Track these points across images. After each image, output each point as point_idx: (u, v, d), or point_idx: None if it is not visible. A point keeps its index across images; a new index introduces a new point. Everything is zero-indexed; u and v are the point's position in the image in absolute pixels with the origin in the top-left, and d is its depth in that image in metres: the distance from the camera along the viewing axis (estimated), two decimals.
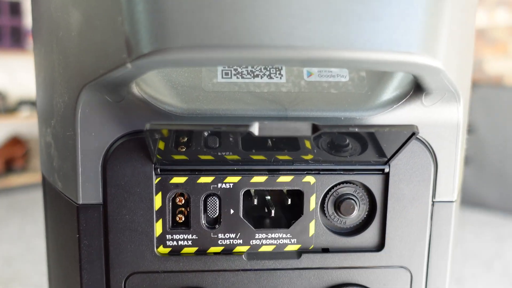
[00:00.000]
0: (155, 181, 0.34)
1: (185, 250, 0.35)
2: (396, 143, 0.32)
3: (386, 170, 0.35)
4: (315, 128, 0.29)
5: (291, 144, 0.35)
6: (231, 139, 0.34)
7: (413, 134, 0.30)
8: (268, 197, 0.38)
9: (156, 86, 0.33)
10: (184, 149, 0.34)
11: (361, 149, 0.35)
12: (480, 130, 2.14)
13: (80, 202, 0.34)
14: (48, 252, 0.42)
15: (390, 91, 0.34)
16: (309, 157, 0.35)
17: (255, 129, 0.29)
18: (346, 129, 0.29)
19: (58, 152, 0.36)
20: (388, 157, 0.34)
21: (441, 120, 0.35)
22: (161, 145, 0.34)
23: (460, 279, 1.53)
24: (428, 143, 0.35)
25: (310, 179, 0.35)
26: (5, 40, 2.49)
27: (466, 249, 1.75)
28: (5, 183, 2.47)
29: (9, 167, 2.57)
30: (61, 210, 0.37)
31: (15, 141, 2.61)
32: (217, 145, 0.34)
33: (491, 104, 2.16)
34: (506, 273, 1.59)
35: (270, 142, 0.36)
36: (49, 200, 0.40)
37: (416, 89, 0.33)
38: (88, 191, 0.34)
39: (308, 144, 0.35)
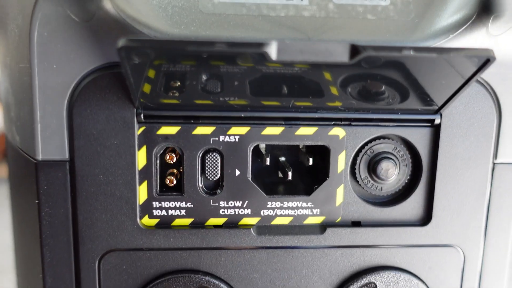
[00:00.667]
0: (138, 131, 0.26)
1: (177, 222, 0.27)
2: (457, 79, 0.24)
3: (437, 121, 0.27)
4: (354, 50, 0.21)
5: (313, 90, 0.27)
6: (236, 82, 0.26)
7: (487, 61, 0.22)
8: (283, 159, 0.30)
9: (137, 3, 0.25)
10: (176, 95, 0.26)
11: (401, 97, 0.27)
12: None
13: (40, 157, 0.26)
14: (13, 228, 0.34)
15: (446, 16, 0.26)
16: (337, 104, 0.27)
17: (272, 50, 0.21)
18: (398, 51, 0.21)
19: (15, 97, 0.28)
20: (440, 104, 0.27)
21: (509, 56, 0.27)
22: (146, 88, 0.26)
23: None
24: (490, 86, 0.27)
25: (338, 131, 0.27)
26: None
27: None
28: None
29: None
30: (19, 172, 0.29)
31: None
32: (219, 90, 0.26)
33: None
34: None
35: (285, 88, 0.28)
36: (10, 163, 0.32)
37: (482, 11, 0.25)
38: (49, 144, 0.26)
39: (334, 90, 0.27)
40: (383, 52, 0.21)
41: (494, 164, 0.28)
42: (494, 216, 0.29)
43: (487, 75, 0.27)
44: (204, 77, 0.26)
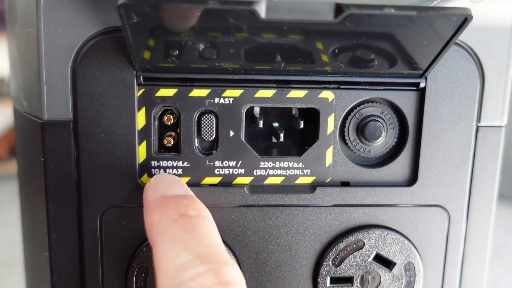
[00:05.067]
0: (138, 93, 0.28)
1: None
2: (438, 40, 0.25)
3: (422, 84, 0.29)
4: (339, 9, 0.23)
5: (304, 58, 0.28)
6: (231, 51, 0.28)
7: (465, 20, 0.23)
8: (277, 124, 0.31)
9: None
10: (174, 61, 0.27)
11: (386, 61, 0.28)
12: None
13: (45, 117, 0.28)
14: (20, 188, 0.36)
15: None
16: (327, 68, 0.28)
17: (261, 9, 0.22)
18: (379, 9, 0.22)
19: (23, 63, 0.30)
20: (425, 67, 0.28)
21: (491, 22, 0.28)
22: (146, 55, 0.27)
23: None
24: (473, 51, 0.29)
25: (328, 94, 0.29)
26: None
27: None
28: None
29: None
30: (26, 135, 0.30)
31: None
32: (215, 57, 0.28)
33: None
34: None
35: (279, 57, 0.29)
36: (17, 130, 0.34)
37: None
38: (54, 104, 0.28)
39: (325, 57, 0.28)
40: (365, 10, 0.22)
41: (477, 127, 0.30)
42: (478, 178, 0.30)
43: (470, 40, 0.28)
44: (201, 46, 0.28)
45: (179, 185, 0.27)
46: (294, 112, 0.31)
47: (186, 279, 0.21)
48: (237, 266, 0.23)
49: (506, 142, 0.31)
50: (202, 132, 0.28)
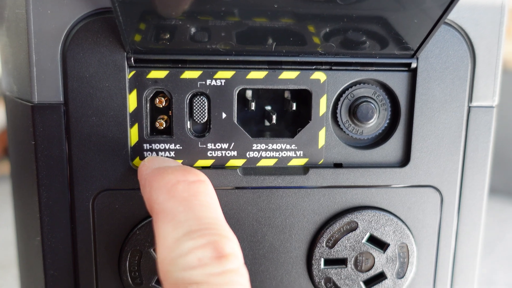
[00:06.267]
0: (129, 75, 0.28)
1: None
2: (428, 17, 0.25)
3: (414, 65, 0.29)
4: None
5: (295, 37, 0.28)
6: (223, 33, 0.28)
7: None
8: (269, 107, 0.31)
9: None
10: (165, 42, 0.27)
11: (378, 41, 0.28)
12: None
13: (36, 100, 0.27)
14: (11, 174, 0.35)
15: None
16: (319, 49, 0.28)
17: None
18: None
19: (12, 48, 0.29)
20: (416, 48, 0.28)
21: (482, 1, 0.28)
22: (137, 38, 0.27)
23: None
24: (464, 31, 0.29)
25: (320, 75, 0.29)
26: None
27: None
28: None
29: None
30: (18, 120, 0.30)
31: None
32: (206, 40, 0.28)
33: None
34: (508, 256, 1.54)
35: (270, 36, 0.29)
36: (9, 118, 0.33)
37: None
38: (45, 87, 0.27)
39: (316, 39, 0.28)
40: None
41: (469, 107, 0.30)
42: (470, 158, 0.30)
43: (460, 19, 0.28)
44: (193, 25, 0.28)
45: (173, 162, 0.27)
46: (286, 95, 0.31)
47: (183, 252, 0.21)
48: (235, 238, 0.22)
49: (498, 136, 0.31)
50: (194, 114, 0.28)
